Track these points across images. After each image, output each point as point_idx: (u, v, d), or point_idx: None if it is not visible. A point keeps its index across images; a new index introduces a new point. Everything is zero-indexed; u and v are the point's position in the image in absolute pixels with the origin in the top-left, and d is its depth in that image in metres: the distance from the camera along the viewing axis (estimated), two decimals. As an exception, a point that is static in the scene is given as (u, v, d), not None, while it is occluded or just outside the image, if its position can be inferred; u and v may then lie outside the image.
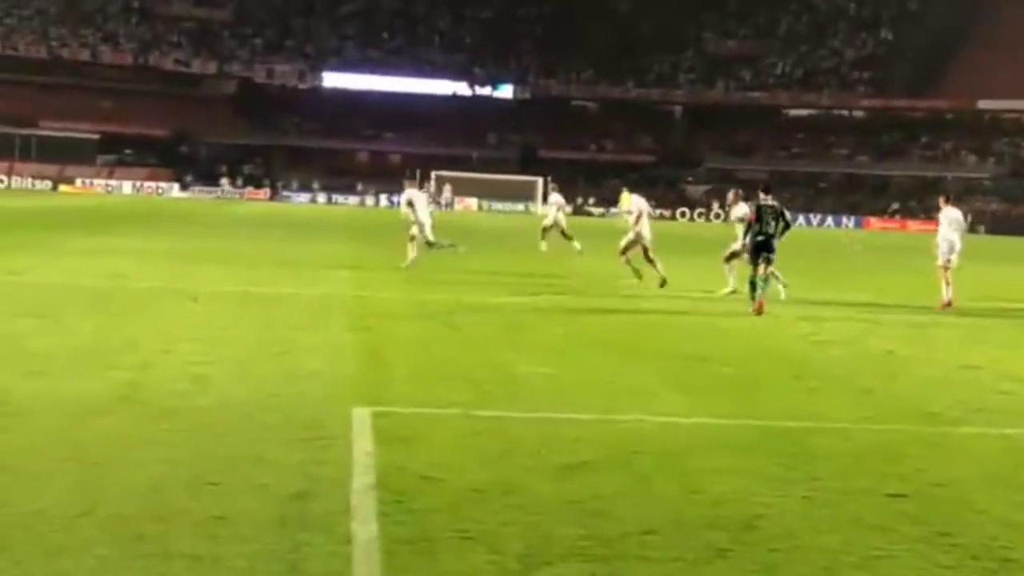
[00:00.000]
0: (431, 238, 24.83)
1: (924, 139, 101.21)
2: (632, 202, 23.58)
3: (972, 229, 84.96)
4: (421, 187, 28.49)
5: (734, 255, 21.30)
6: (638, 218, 23.05)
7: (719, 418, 10.01)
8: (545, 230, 34.87)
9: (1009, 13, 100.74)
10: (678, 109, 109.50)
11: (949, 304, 20.92)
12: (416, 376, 11.46)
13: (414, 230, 24.69)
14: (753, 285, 18.99)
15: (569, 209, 50.33)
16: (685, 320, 17.92)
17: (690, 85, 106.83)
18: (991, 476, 8.38)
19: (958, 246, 21.73)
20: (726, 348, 14.67)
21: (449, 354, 13.03)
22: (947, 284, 21.26)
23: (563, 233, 34.48)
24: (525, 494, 7.27)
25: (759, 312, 18.43)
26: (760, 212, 19.42)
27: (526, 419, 9.64)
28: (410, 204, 25.01)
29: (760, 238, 19.24)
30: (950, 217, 22.21)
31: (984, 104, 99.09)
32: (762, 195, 19.86)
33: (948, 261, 21.41)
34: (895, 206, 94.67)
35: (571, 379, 11.73)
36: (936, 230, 22.63)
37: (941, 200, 22.91)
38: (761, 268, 19.09)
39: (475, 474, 7.70)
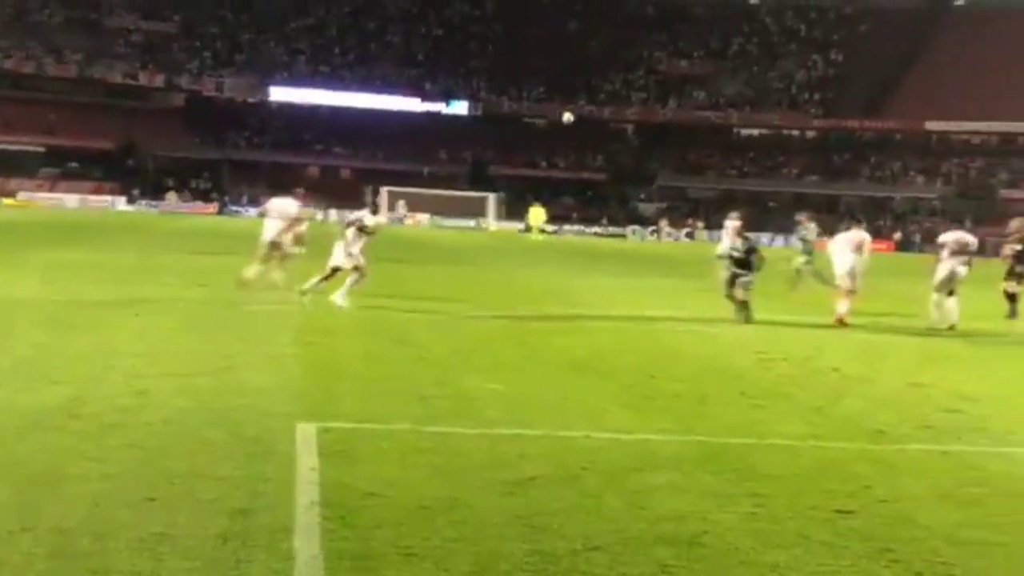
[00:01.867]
0: None
1: (873, 159, 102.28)
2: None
3: (921, 249, 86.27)
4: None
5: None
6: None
7: (666, 435, 10.01)
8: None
9: (957, 36, 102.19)
10: (630, 127, 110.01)
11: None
12: (363, 392, 11.38)
13: None
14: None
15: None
16: (639, 339, 17.93)
17: (642, 104, 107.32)
18: (936, 493, 8.43)
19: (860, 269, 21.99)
20: (676, 366, 14.70)
21: (398, 370, 12.96)
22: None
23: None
24: (471, 510, 7.24)
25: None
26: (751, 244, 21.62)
27: (474, 435, 9.60)
28: None
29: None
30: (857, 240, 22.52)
31: (932, 125, 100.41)
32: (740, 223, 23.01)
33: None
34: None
35: (521, 396, 11.69)
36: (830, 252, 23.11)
37: (854, 224, 23.45)
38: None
39: (421, 490, 7.65)
